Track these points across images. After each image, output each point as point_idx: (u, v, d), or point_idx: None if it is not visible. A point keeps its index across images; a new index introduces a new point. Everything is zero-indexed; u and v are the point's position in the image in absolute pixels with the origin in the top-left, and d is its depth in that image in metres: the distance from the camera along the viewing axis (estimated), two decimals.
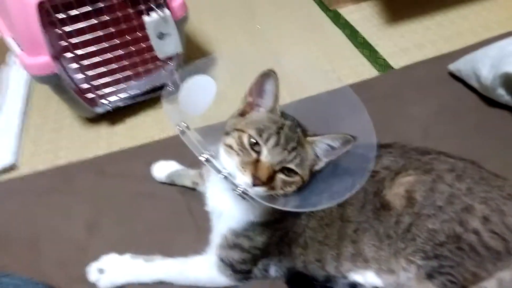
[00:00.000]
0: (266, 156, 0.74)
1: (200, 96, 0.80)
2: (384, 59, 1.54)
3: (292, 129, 0.79)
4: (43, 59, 1.17)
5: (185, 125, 0.70)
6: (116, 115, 1.45)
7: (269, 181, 0.73)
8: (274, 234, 0.85)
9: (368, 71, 1.50)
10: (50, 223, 1.05)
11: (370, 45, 1.61)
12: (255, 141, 0.75)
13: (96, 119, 1.45)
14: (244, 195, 0.70)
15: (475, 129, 1.12)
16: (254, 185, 0.72)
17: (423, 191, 0.80)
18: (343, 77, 1.48)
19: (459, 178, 0.80)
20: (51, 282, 0.91)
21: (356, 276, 0.85)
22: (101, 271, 0.91)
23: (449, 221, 0.77)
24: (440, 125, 1.15)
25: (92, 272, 0.91)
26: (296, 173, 0.77)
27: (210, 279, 0.89)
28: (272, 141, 0.75)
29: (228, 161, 0.77)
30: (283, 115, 0.81)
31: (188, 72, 0.79)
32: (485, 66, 1.10)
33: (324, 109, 0.93)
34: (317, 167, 0.82)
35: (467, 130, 1.12)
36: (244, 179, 0.72)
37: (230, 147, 0.77)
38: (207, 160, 0.68)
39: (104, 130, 1.43)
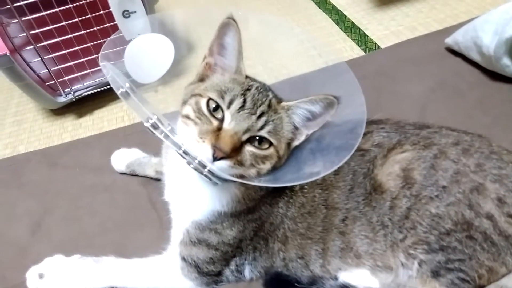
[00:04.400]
0: (230, 122, 0.61)
1: (153, 60, 0.66)
2: (374, 43, 1.44)
3: (261, 90, 0.66)
4: None
5: (128, 86, 0.56)
6: (83, 106, 1.34)
7: (234, 154, 0.60)
8: (247, 226, 0.71)
9: (358, 56, 1.40)
10: None
11: (359, 29, 1.52)
12: (215, 105, 0.62)
13: (61, 111, 1.33)
14: (200, 168, 0.55)
15: (479, 106, 1.00)
16: (216, 158, 0.58)
17: (423, 169, 0.66)
18: (331, 62, 1.38)
19: (466, 153, 0.67)
20: None
21: (347, 276, 0.71)
22: (41, 276, 0.76)
23: (456, 204, 0.63)
24: (439, 102, 1.03)
25: (32, 277, 0.76)
26: (269, 143, 0.63)
27: (171, 283, 0.74)
28: (236, 104, 0.62)
29: (186, 135, 0.63)
30: (250, 78, 0.68)
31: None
32: (487, 33, 0.97)
33: (308, 87, 0.81)
34: (296, 142, 0.69)
35: (470, 107, 1.00)
36: (203, 151, 0.59)
37: (187, 117, 0.64)
38: (154, 126, 0.54)
39: (69, 123, 1.32)
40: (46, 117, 1.34)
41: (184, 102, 0.67)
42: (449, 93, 1.05)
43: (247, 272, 0.76)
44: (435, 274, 0.65)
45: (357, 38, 1.48)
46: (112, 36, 0.71)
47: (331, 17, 1.60)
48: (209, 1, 1.79)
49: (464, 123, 0.90)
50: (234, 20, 0.63)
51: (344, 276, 0.71)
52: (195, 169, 0.56)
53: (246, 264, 0.75)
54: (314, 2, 1.70)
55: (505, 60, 0.98)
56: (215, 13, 0.77)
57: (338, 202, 0.70)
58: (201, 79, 0.70)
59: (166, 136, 0.55)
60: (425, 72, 1.13)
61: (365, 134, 0.73)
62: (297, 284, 0.71)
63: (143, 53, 0.65)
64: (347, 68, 0.73)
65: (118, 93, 0.57)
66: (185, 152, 0.57)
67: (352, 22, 1.56)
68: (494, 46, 0.96)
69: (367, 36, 1.48)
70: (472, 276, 0.64)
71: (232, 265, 0.74)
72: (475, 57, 1.07)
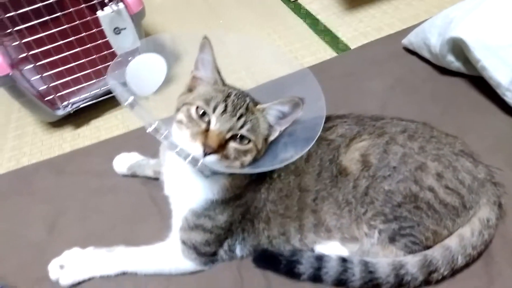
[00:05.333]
0: (215, 124, 0.74)
1: (149, 75, 0.79)
2: (345, 44, 1.58)
3: (239, 96, 0.79)
4: None
5: (133, 98, 0.70)
6: (80, 118, 1.44)
7: (220, 149, 0.73)
8: (235, 211, 0.84)
9: (330, 57, 1.53)
10: (8, 226, 1.01)
11: (331, 31, 1.65)
12: (203, 111, 0.75)
13: (59, 123, 1.43)
14: (195, 162, 0.69)
15: (431, 98, 1.15)
16: (206, 153, 0.71)
17: (377, 154, 0.80)
18: (306, 64, 1.50)
19: (411, 138, 0.81)
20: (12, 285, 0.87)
21: (322, 248, 0.85)
22: (62, 267, 0.88)
23: (404, 181, 0.77)
24: (397, 97, 1.17)
25: (53, 269, 0.87)
26: (248, 140, 0.77)
27: (174, 265, 0.87)
28: (219, 108, 0.75)
29: (180, 137, 0.76)
30: (229, 86, 0.82)
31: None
32: (433, 35, 1.13)
33: (279, 92, 0.94)
34: (272, 137, 0.82)
35: (423, 100, 1.15)
36: (195, 149, 0.72)
37: (181, 122, 0.77)
38: (155, 130, 0.67)
39: (67, 134, 1.41)
40: (45, 129, 1.43)
41: (178, 110, 0.80)
42: (405, 88, 1.19)
43: (238, 251, 0.88)
44: (392, 240, 0.79)
45: (329, 40, 1.61)
46: (115, 60, 0.83)
47: (305, 22, 1.73)
48: (190, 11, 1.91)
49: (418, 114, 1.03)
50: (208, 40, 0.76)
51: (319, 248, 0.84)
52: (190, 163, 0.70)
53: (237, 244, 0.87)
54: (289, 8, 1.83)
55: (450, 57, 1.13)
56: (199, 34, 0.91)
57: (309, 185, 0.83)
58: (190, 89, 0.83)
59: (166, 138, 0.68)
60: (386, 70, 1.27)
61: (330, 127, 0.87)
62: (280, 257, 0.83)
63: (141, 70, 0.77)
64: (310, 73, 0.86)
65: (125, 104, 0.70)
66: (181, 151, 0.70)
67: (324, 25, 1.69)
68: (439, 45, 1.11)
69: (338, 38, 1.61)
70: (421, 239, 0.78)
71: (225, 246, 0.87)
72: (426, 55, 1.22)
